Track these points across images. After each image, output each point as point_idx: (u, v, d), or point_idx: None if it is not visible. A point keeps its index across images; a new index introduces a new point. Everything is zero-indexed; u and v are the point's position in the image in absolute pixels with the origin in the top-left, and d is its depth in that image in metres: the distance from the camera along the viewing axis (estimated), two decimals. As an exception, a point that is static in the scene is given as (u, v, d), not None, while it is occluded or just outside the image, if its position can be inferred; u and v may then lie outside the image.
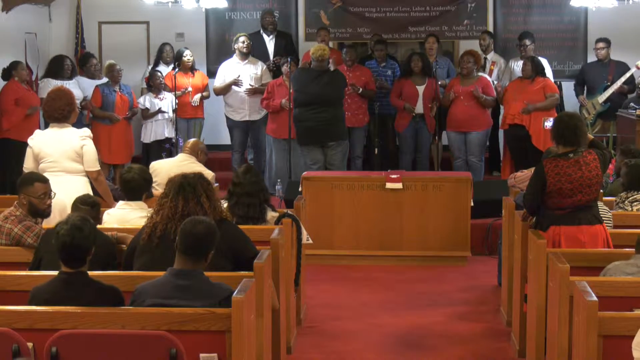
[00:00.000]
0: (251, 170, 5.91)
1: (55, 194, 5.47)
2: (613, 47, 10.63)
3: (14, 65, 9.47)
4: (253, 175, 5.81)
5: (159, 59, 10.91)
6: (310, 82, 9.11)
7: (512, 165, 9.86)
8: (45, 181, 5.44)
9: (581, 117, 5.57)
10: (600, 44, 10.34)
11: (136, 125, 10.60)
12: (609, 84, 10.14)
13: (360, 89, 9.84)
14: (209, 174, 6.96)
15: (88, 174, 6.35)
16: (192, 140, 7.75)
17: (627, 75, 10.04)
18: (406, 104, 9.87)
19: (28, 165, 6.34)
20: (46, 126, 6.77)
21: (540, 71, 9.73)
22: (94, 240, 4.14)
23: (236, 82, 10.22)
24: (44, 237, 5.02)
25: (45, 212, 5.40)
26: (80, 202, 5.37)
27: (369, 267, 7.99)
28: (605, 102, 10.07)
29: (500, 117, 10.24)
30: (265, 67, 10.45)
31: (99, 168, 6.45)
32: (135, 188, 5.79)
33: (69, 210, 5.53)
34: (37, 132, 6.51)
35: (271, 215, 5.87)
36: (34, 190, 5.32)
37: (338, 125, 9.14)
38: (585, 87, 10.52)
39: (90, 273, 4.21)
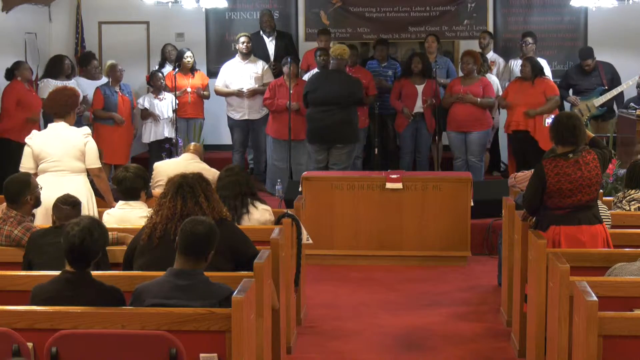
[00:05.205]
0: (231, 168, 5.97)
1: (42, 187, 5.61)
2: (613, 47, 10.61)
3: (17, 65, 9.46)
4: (230, 172, 5.86)
5: (164, 60, 10.93)
6: (326, 82, 9.12)
7: (516, 168, 9.84)
8: (28, 172, 5.68)
9: (580, 117, 5.57)
10: (590, 61, 10.23)
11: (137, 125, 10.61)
12: (605, 87, 10.11)
13: None
14: (214, 172, 6.97)
15: (90, 171, 6.37)
16: (193, 143, 7.72)
17: (629, 83, 10.02)
18: (404, 107, 9.88)
19: (26, 165, 6.30)
20: (46, 127, 6.76)
21: (539, 72, 9.72)
22: (103, 245, 4.17)
23: (240, 94, 10.26)
24: (30, 241, 5.02)
25: (39, 198, 5.52)
26: (61, 202, 5.33)
27: (369, 267, 7.99)
28: (601, 106, 10.05)
29: (497, 115, 10.22)
30: (266, 66, 10.46)
31: (101, 165, 6.47)
32: (129, 187, 5.79)
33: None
34: (35, 132, 6.48)
35: (262, 208, 5.85)
36: (34, 185, 5.43)
37: (348, 128, 9.12)
38: (572, 90, 10.42)
39: (95, 274, 4.22)
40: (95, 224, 4.16)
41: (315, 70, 9.87)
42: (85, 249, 4.06)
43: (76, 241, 4.05)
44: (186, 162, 7.21)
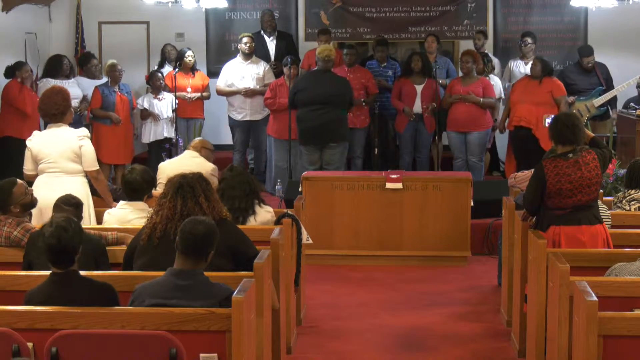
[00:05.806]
0: (235, 168, 6.01)
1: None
2: (613, 47, 10.59)
3: (19, 65, 9.45)
4: (236, 171, 5.89)
5: (164, 60, 10.94)
6: (314, 82, 9.12)
7: (516, 166, 9.84)
8: (15, 180, 5.38)
9: (579, 116, 5.57)
10: (591, 58, 10.24)
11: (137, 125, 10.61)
12: (604, 87, 10.10)
13: (364, 101, 9.83)
14: (210, 166, 6.98)
15: (87, 174, 6.35)
16: (199, 138, 7.76)
17: (630, 82, 10.02)
18: (405, 107, 9.88)
19: (27, 167, 6.33)
20: (46, 127, 6.76)
21: (549, 72, 9.71)
22: (80, 239, 4.14)
23: (246, 93, 10.28)
24: (30, 242, 5.01)
25: (34, 200, 5.44)
26: (63, 203, 5.32)
27: (369, 267, 7.99)
28: (601, 106, 10.04)
29: (500, 114, 10.23)
30: (267, 67, 10.46)
31: (98, 167, 6.45)
32: (136, 189, 5.79)
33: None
34: (36, 133, 6.49)
35: (265, 209, 5.86)
36: (18, 194, 5.28)
37: (340, 127, 9.13)
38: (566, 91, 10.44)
39: (86, 273, 4.22)
40: (69, 221, 4.16)
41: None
42: (63, 246, 4.05)
43: (53, 241, 4.04)
44: (182, 159, 7.24)
